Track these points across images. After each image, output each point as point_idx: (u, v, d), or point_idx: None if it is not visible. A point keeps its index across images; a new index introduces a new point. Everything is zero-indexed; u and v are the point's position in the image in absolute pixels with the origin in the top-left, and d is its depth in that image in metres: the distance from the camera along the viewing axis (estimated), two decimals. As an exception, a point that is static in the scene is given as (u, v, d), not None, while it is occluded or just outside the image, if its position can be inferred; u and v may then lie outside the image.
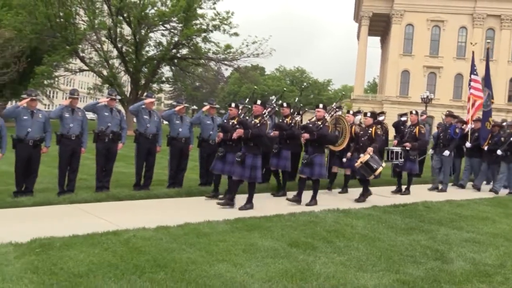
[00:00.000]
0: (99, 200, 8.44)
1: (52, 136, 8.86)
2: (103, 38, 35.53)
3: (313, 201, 9.13)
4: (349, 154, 10.61)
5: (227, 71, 49.91)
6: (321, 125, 9.11)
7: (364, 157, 9.64)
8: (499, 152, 12.35)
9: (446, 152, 12.37)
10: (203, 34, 35.18)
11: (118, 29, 34.75)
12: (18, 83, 33.04)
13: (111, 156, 9.29)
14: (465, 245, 6.62)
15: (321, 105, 9.50)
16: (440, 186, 12.46)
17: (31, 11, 30.95)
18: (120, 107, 29.27)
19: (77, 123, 8.85)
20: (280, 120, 10.51)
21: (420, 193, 11.53)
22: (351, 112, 11.82)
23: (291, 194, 9.58)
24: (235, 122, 8.83)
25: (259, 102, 8.82)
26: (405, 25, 66.26)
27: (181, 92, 55.65)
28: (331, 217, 7.94)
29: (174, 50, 35.72)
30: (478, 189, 12.63)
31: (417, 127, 11.40)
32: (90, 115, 11.38)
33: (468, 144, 13.22)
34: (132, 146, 9.86)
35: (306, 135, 9.08)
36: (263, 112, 8.72)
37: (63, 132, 8.73)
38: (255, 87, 15.28)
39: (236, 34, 35.62)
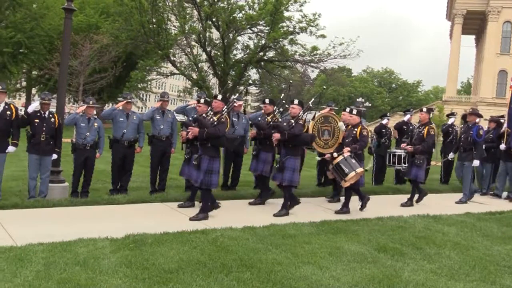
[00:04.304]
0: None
1: (145, 137, 9.28)
2: (193, 43, 36.62)
3: (283, 210, 7.98)
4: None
5: (313, 73, 49.55)
6: (294, 124, 8.00)
7: (337, 158, 8.32)
8: None
9: (476, 162, 10.39)
10: (290, 37, 35.21)
11: (207, 34, 35.68)
12: (114, 86, 34.94)
13: (200, 157, 9.49)
14: None
15: (296, 101, 8.30)
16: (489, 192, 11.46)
17: (126, 18, 32.62)
18: (208, 109, 30.00)
19: (167, 124, 9.20)
20: (260, 119, 9.32)
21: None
22: (347, 109, 9.68)
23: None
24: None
25: (219, 97, 7.71)
26: (503, 23, 62.49)
27: (267, 94, 56.20)
28: (421, 222, 7.68)
29: (261, 53, 36.06)
30: None
31: (427, 127, 9.64)
32: (180, 117, 11.75)
33: (502, 146, 11.39)
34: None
35: (277, 135, 7.99)
36: (223, 109, 7.54)
37: (154, 133, 9.12)
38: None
39: (323, 36, 35.33)
